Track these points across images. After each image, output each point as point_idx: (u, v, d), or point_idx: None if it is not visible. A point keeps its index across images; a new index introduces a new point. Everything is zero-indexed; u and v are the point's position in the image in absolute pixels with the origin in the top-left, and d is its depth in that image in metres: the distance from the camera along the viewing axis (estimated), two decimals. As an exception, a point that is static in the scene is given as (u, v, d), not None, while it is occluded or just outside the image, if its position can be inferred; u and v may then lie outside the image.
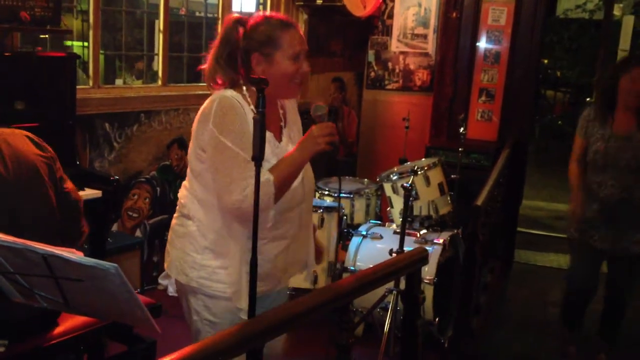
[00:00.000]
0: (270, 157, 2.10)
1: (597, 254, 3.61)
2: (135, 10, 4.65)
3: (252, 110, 2.07)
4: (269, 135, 2.08)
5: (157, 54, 4.48)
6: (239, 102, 2.06)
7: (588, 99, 8.58)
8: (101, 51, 4.17)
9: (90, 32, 3.87)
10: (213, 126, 2.02)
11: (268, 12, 2.16)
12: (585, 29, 13.55)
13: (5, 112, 2.96)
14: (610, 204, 3.45)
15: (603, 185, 3.47)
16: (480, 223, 3.60)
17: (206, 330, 2.20)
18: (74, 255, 1.40)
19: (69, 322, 2.31)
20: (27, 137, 2.27)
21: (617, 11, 8.63)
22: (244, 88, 2.12)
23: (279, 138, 2.18)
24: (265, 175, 2.00)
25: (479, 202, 3.59)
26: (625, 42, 7.51)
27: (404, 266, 2.46)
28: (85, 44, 5.01)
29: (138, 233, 4.34)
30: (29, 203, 2.17)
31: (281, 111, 2.23)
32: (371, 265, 3.79)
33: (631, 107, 3.37)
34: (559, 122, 14.15)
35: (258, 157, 1.96)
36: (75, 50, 4.58)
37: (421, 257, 2.51)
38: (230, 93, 2.08)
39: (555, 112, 14.98)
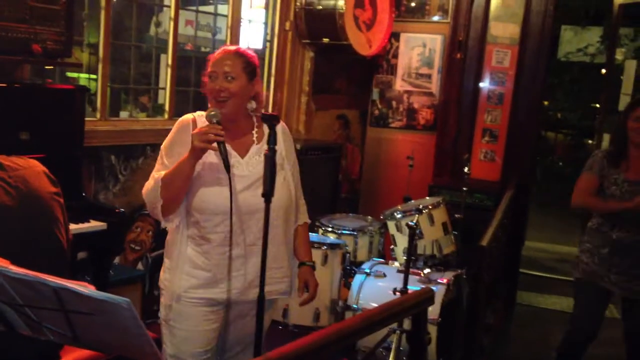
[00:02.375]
0: (234, 169, 2.28)
1: (605, 296, 3.58)
2: (143, 44, 4.69)
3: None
4: (229, 148, 2.26)
5: (165, 88, 4.51)
6: (193, 120, 2.37)
7: (590, 141, 8.63)
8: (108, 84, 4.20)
9: (100, 65, 3.90)
10: None
11: None
12: (587, 71, 13.70)
13: (11, 142, 2.95)
14: (623, 246, 3.43)
15: (617, 227, 3.45)
16: (485, 264, 3.59)
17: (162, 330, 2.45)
18: (86, 288, 1.39)
19: (70, 356, 2.28)
20: (44, 173, 2.25)
21: (619, 55, 8.73)
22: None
23: (243, 153, 2.35)
24: (160, 173, 2.28)
25: (484, 242, 3.59)
26: (627, 86, 7.57)
27: (411, 306, 2.43)
28: (92, 76, 5.06)
29: (140, 266, 4.31)
30: (43, 242, 2.16)
31: (256, 130, 2.42)
32: (374, 304, 3.81)
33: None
34: (560, 163, 14.19)
35: (268, 193, 1.99)
36: (82, 83, 4.63)
37: (428, 297, 2.48)
38: (195, 113, 2.42)
39: (556, 153, 15.05)
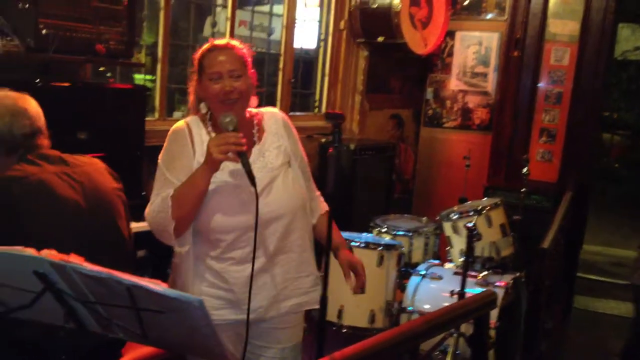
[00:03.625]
0: (226, 176, 2.11)
1: None
2: (198, 45, 4.73)
3: (208, 132, 2.16)
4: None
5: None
6: (187, 127, 2.16)
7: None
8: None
9: (158, 66, 3.94)
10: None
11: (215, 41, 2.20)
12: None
13: (69, 140, 2.99)
14: None
15: None
16: (546, 267, 3.50)
17: None
18: (158, 286, 1.39)
19: (132, 354, 2.30)
20: (106, 169, 2.30)
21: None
22: (206, 111, 2.19)
23: (238, 160, 2.07)
24: (167, 191, 2.07)
25: (545, 244, 3.49)
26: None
27: (474, 309, 2.38)
28: (147, 77, 5.13)
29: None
30: (106, 236, 2.19)
31: (256, 128, 2.23)
32: (430, 306, 3.76)
33: None
34: (616, 165, 13.81)
35: (332, 193, 1.97)
36: (136, 82, 4.70)
37: (490, 301, 2.43)
38: (187, 119, 2.21)
39: (612, 155, 14.64)
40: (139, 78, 5.61)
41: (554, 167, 5.74)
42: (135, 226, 3.09)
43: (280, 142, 2.25)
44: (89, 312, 1.59)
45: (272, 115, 2.31)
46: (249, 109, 2.21)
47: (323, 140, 4.84)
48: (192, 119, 2.20)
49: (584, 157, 5.68)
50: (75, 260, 1.46)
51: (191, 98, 2.23)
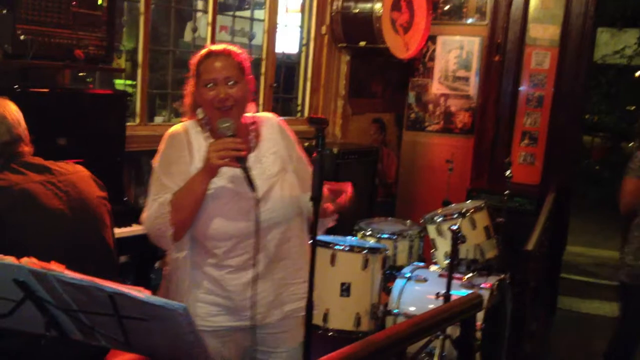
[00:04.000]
0: (225, 182, 2.09)
1: None
2: (181, 50, 4.71)
3: (206, 137, 2.14)
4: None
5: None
6: (185, 131, 2.14)
7: (630, 144, 8.45)
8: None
9: (139, 71, 3.91)
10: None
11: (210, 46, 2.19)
12: (623, 74, 13.45)
13: (49, 147, 2.94)
14: None
15: None
16: (531, 269, 3.51)
17: None
18: (142, 293, 1.36)
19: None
20: (91, 177, 2.27)
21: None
22: (203, 116, 2.17)
23: (237, 165, 2.06)
24: (164, 196, 2.04)
25: (530, 247, 3.51)
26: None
27: (460, 311, 2.38)
28: (128, 82, 5.09)
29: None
30: (92, 246, 2.17)
31: (252, 134, 2.22)
32: (415, 309, 3.75)
33: None
34: (597, 167, 13.95)
35: (316, 197, 1.95)
36: (117, 88, 4.66)
37: (476, 303, 2.43)
38: (185, 123, 2.19)
39: (593, 157, 14.79)
40: (120, 83, 5.57)
41: (536, 170, 5.78)
42: (118, 232, 3.07)
43: (276, 147, 2.23)
44: (71, 320, 1.56)
45: (267, 121, 2.29)
46: (245, 115, 2.19)
47: (306, 144, 4.82)
48: (190, 124, 2.18)
49: (566, 159, 5.73)
50: (57, 268, 1.43)
51: (187, 101, 2.21)
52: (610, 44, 13.11)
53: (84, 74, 3.76)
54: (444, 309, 2.33)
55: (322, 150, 1.93)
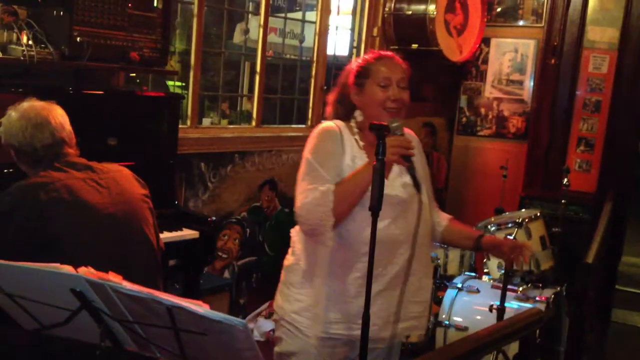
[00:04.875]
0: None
1: None
2: (225, 51, 4.69)
3: (355, 140, 2.14)
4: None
5: (252, 95, 4.48)
6: (339, 129, 2.13)
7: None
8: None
9: (191, 73, 3.90)
10: (305, 148, 2.13)
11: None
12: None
13: (101, 149, 2.95)
14: None
15: None
16: (591, 282, 3.37)
17: None
18: (201, 308, 1.31)
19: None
20: (133, 176, 2.31)
21: None
22: (352, 120, 2.18)
23: (386, 174, 2.03)
24: (326, 185, 2.01)
25: (589, 259, 3.36)
26: None
27: (521, 328, 2.28)
28: (177, 83, 5.10)
29: (226, 274, 4.29)
30: (134, 241, 2.20)
31: None
32: (467, 321, 3.64)
33: None
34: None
35: (375, 207, 1.87)
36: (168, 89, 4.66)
37: (538, 319, 2.33)
38: (334, 122, 2.18)
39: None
40: (170, 85, 5.60)
41: (592, 177, 5.59)
42: (168, 236, 3.06)
43: (418, 163, 2.18)
44: (126, 331, 1.52)
45: (412, 136, 2.26)
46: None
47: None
48: (340, 123, 2.18)
49: (624, 166, 5.53)
50: (114, 278, 1.40)
51: (329, 109, 2.25)
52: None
53: (136, 75, 3.77)
54: (505, 325, 2.23)
55: (383, 158, 1.85)
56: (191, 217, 3.27)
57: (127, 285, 1.36)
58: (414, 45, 4.96)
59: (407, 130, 2.24)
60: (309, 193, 2.02)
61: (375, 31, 5.11)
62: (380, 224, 1.99)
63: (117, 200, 2.18)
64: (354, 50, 5.25)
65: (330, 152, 2.09)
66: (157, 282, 2.28)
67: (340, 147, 2.11)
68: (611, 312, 5.68)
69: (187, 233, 3.15)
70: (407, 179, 2.12)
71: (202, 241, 3.17)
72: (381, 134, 1.88)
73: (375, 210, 1.88)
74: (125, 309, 1.44)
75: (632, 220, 7.97)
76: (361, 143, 2.13)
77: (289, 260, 2.26)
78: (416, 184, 2.02)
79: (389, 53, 2.18)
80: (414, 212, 2.14)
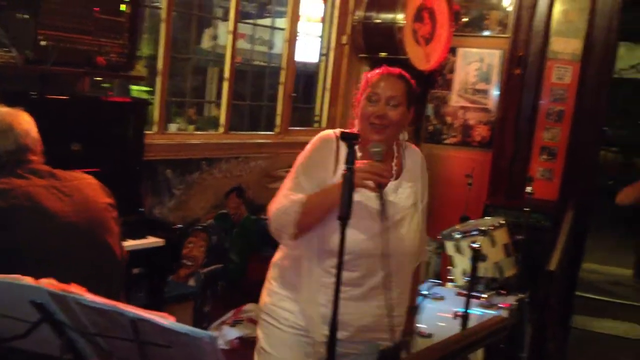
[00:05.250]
0: (360, 197, 2.05)
1: None
2: (201, 57, 4.67)
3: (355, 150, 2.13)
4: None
5: (220, 101, 4.46)
6: (337, 138, 2.12)
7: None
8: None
9: (158, 79, 3.86)
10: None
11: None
12: (639, 89, 13.32)
13: (66, 155, 2.89)
14: None
15: None
16: (554, 289, 3.43)
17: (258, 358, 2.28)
18: (166, 320, 1.30)
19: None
20: (97, 184, 2.28)
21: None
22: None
23: (377, 190, 2.04)
24: (299, 196, 2.05)
25: (552, 267, 3.42)
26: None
27: (487, 335, 2.30)
28: (143, 88, 5.05)
29: (191, 282, 4.25)
30: (96, 251, 2.16)
31: (395, 162, 2.20)
32: (432, 328, 3.67)
33: None
34: (610, 182, 13.81)
35: (344, 217, 1.88)
36: (133, 95, 4.60)
37: (503, 327, 2.36)
38: (335, 131, 2.17)
39: (607, 172, 14.65)
40: (135, 89, 5.54)
41: (554, 186, 5.67)
42: (133, 243, 3.02)
43: (414, 182, 2.22)
44: (88, 344, 1.49)
45: (413, 154, 2.28)
46: (397, 141, 2.20)
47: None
48: (340, 132, 2.15)
49: (585, 175, 5.63)
50: (77, 290, 1.37)
51: (354, 112, 2.25)
52: (626, 58, 12.98)
53: (101, 79, 3.72)
54: (471, 332, 2.24)
55: (353, 167, 1.86)
56: (157, 225, 3.24)
57: (90, 297, 1.34)
58: (383, 54, 4.98)
59: (414, 148, 2.30)
60: (282, 199, 2.08)
61: (344, 39, 5.14)
62: (361, 236, 2.06)
63: (79, 209, 2.14)
64: (323, 58, 5.27)
65: (316, 161, 2.13)
66: (119, 293, 2.25)
67: (333, 158, 2.12)
68: (571, 318, 5.77)
69: (152, 241, 3.12)
70: (402, 196, 2.15)
71: (168, 249, 3.14)
72: (350, 143, 1.89)
73: (343, 220, 1.88)
74: (88, 321, 1.41)
75: (592, 228, 8.15)
76: (359, 154, 2.11)
77: (275, 256, 2.31)
78: (383, 212, 2.00)
79: (395, 70, 2.17)
80: (402, 232, 2.15)
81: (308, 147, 2.17)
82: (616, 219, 10.29)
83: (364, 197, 2.07)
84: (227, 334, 4.18)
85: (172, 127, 5.15)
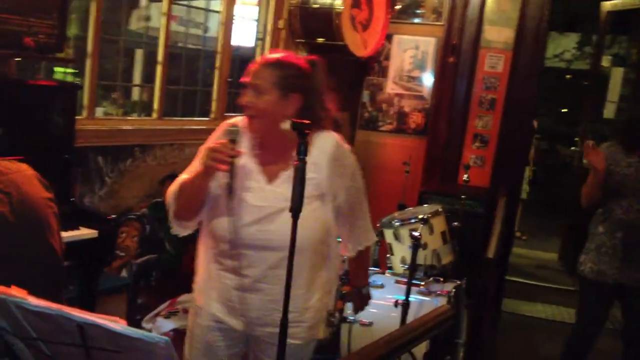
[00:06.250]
0: (250, 197, 2.07)
1: (610, 293, 3.62)
2: (133, 39, 4.48)
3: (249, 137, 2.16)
4: (256, 169, 2.11)
5: (153, 86, 4.30)
6: (239, 126, 2.09)
7: (572, 148, 8.64)
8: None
9: (88, 61, 3.68)
10: None
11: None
12: (562, 78, 13.78)
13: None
14: (635, 228, 3.50)
15: (630, 209, 3.52)
16: (492, 276, 3.49)
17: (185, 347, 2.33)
18: (117, 324, 1.21)
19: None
20: (36, 177, 2.09)
21: (605, 62, 8.78)
22: None
23: (271, 179, 2.11)
24: (183, 177, 2.14)
25: (490, 254, 3.48)
26: (613, 94, 7.59)
27: (434, 326, 2.29)
28: (68, 70, 4.82)
29: (124, 273, 4.10)
30: (36, 252, 2.00)
31: (294, 152, 2.05)
32: (373, 317, 3.66)
33: None
34: (533, 168, 14.25)
35: (295, 209, 1.82)
36: (58, 77, 4.37)
37: (448, 317, 2.36)
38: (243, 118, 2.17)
39: (530, 159, 15.09)
40: (59, 71, 5.27)
41: (485, 173, 5.77)
42: (64, 235, 2.84)
43: (315, 175, 2.10)
44: (29, 349, 1.38)
45: (323, 144, 2.17)
46: (284, 129, 2.06)
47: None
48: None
49: (516, 162, 5.76)
50: (17, 293, 1.26)
51: None
52: (550, 47, 13.40)
53: (31, 62, 3.50)
54: (418, 324, 2.23)
55: (303, 157, 1.80)
56: (89, 215, 3.09)
57: (33, 301, 1.23)
58: (320, 39, 4.92)
59: (328, 136, 2.20)
60: (176, 181, 2.17)
61: (281, 23, 5.04)
62: (236, 225, 2.06)
63: (18, 207, 1.96)
64: (259, 42, 5.16)
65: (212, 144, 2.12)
66: (61, 294, 2.11)
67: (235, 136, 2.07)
68: (502, 302, 5.93)
69: (85, 232, 2.97)
70: (285, 187, 2.05)
71: (101, 241, 3.00)
72: (301, 133, 1.83)
73: (294, 212, 1.82)
74: (29, 325, 1.31)
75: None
76: (257, 151, 2.16)
77: None
78: (229, 191, 1.98)
79: (270, 58, 2.14)
80: (282, 224, 2.02)
81: (214, 132, 2.21)
82: (538, 206, 10.66)
83: (244, 187, 2.07)
84: (162, 326, 4.04)
85: (99, 112, 4.95)
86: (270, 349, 2.17)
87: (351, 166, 2.28)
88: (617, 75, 7.87)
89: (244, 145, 2.12)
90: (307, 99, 2.12)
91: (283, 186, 2.07)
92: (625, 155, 3.57)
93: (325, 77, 2.25)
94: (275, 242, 2.05)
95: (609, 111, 7.69)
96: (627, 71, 8.12)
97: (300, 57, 2.19)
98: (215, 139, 2.13)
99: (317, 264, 2.21)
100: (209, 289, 2.21)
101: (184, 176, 2.13)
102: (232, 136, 1.99)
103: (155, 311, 4.24)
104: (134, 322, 4.12)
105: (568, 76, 14.08)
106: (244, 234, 2.06)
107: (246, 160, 2.10)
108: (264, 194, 2.08)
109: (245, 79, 2.12)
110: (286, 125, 2.04)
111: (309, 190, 2.02)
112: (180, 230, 2.20)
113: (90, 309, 3.12)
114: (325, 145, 2.17)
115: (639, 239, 3.51)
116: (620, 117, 7.87)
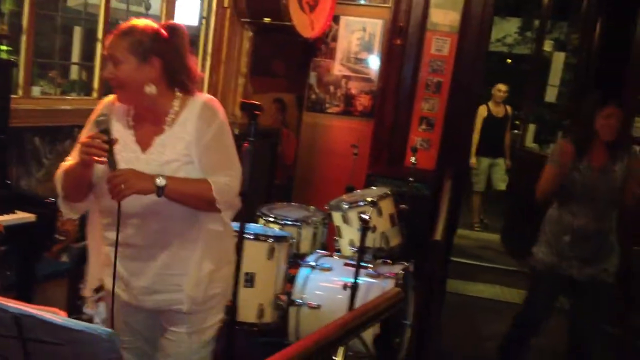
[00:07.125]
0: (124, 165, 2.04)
1: (558, 285, 3.64)
2: (71, 16, 4.29)
3: (128, 119, 2.14)
4: (131, 140, 2.10)
5: (93, 64, 4.14)
6: (112, 104, 2.16)
7: (515, 130, 8.77)
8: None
9: (23, 37, 3.50)
10: None
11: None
12: (504, 62, 14.00)
13: None
14: (583, 234, 3.48)
15: (578, 215, 3.49)
16: (439, 259, 3.50)
17: None
18: (57, 316, 1.13)
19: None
20: None
21: (547, 47, 8.94)
22: None
23: (146, 146, 2.10)
24: (66, 164, 2.15)
25: (437, 236, 3.48)
26: (555, 78, 7.73)
27: (385, 309, 2.27)
28: (3, 47, 4.60)
29: (64, 258, 3.95)
30: None
31: (172, 115, 2.11)
32: (320, 299, 3.64)
33: (606, 141, 3.43)
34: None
35: (245, 193, 1.77)
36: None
37: (399, 300, 2.35)
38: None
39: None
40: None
41: (431, 155, 5.81)
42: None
43: (185, 134, 2.09)
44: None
45: (192, 103, 2.13)
46: (151, 94, 2.06)
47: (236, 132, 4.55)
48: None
49: (461, 145, 5.82)
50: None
51: None
52: (494, 32, 13.58)
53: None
54: (370, 307, 2.21)
55: (255, 140, 1.74)
56: (26, 199, 2.96)
57: (-37, 292, 1.15)
58: (267, 19, 4.83)
59: (195, 98, 2.14)
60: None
61: (225, 2, 4.92)
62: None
63: None
64: (204, 21, 5.02)
65: (89, 129, 2.14)
66: None
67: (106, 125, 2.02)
68: (446, 283, 6.00)
69: (22, 216, 2.84)
70: (166, 151, 2.08)
71: (41, 225, 2.88)
72: (251, 114, 1.77)
73: (243, 195, 1.78)
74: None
75: (463, 196, 8.48)
76: (132, 123, 2.14)
77: None
78: (112, 167, 1.95)
79: (120, 28, 2.08)
80: None
81: (94, 110, 2.20)
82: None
83: (122, 159, 2.04)
84: (103, 311, 3.94)
85: (36, 91, 4.74)
86: (172, 316, 2.21)
87: (219, 123, 2.14)
88: (558, 59, 8.02)
89: (119, 120, 2.12)
90: (167, 63, 2.07)
91: (157, 152, 2.08)
92: (576, 160, 3.46)
93: (186, 43, 2.16)
94: (154, 207, 2.04)
95: (550, 95, 7.84)
96: (568, 56, 8.30)
97: (157, 23, 2.11)
98: (91, 120, 2.14)
99: (195, 223, 2.16)
100: (106, 268, 2.21)
101: (69, 161, 2.12)
102: (102, 126, 1.95)
103: (97, 296, 4.12)
104: (75, 308, 3.98)
105: (509, 60, 14.32)
106: (125, 204, 2.00)
107: (122, 133, 2.09)
108: (138, 163, 2.05)
109: (105, 53, 2.08)
110: (152, 89, 2.04)
111: (176, 151, 2.08)
112: (71, 213, 2.20)
113: (30, 294, 3.00)
114: (195, 103, 2.14)
115: (587, 244, 3.50)
116: (561, 101, 8.05)
